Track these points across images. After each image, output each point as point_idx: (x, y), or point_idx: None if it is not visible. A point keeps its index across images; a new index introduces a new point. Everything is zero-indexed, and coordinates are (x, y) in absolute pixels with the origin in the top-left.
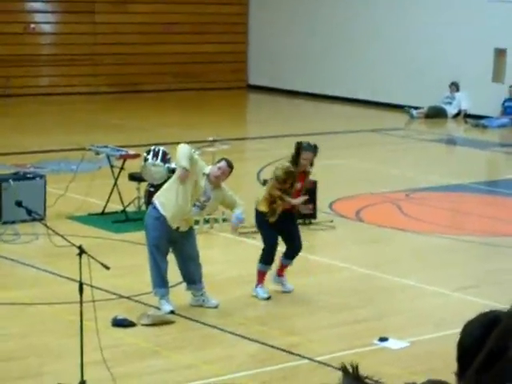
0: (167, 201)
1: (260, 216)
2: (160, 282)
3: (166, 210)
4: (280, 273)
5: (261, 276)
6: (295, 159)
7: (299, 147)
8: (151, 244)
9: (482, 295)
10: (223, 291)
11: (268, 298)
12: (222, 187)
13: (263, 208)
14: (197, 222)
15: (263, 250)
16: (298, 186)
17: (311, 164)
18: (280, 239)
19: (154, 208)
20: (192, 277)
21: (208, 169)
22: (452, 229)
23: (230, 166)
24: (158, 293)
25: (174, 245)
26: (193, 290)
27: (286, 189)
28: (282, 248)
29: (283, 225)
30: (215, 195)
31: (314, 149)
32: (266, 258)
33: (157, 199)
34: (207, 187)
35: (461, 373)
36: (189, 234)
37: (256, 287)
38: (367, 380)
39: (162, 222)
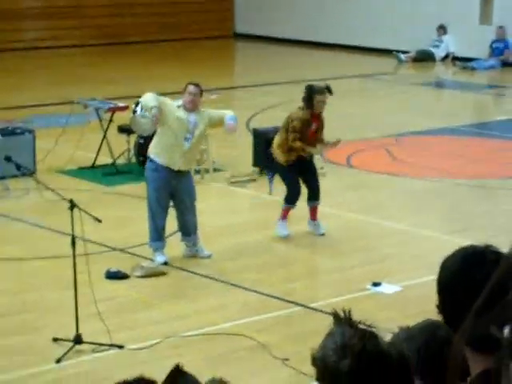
0: (159, 149)
1: (280, 166)
2: (157, 236)
3: (162, 157)
4: (312, 217)
5: (284, 212)
6: (308, 103)
7: (311, 91)
8: (151, 197)
9: (473, 238)
10: (216, 241)
11: (286, 236)
12: (203, 110)
13: (282, 159)
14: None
15: (288, 192)
16: (313, 126)
17: (324, 105)
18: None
19: (151, 161)
20: (188, 229)
21: (180, 101)
22: (442, 172)
23: (197, 85)
24: (153, 246)
25: (173, 196)
26: (187, 242)
27: (303, 134)
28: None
29: (301, 168)
30: (199, 118)
31: (327, 90)
32: (290, 198)
33: (150, 152)
34: (189, 117)
35: (442, 305)
36: (188, 183)
37: (278, 221)
38: (360, 325)
39: (161, 171)
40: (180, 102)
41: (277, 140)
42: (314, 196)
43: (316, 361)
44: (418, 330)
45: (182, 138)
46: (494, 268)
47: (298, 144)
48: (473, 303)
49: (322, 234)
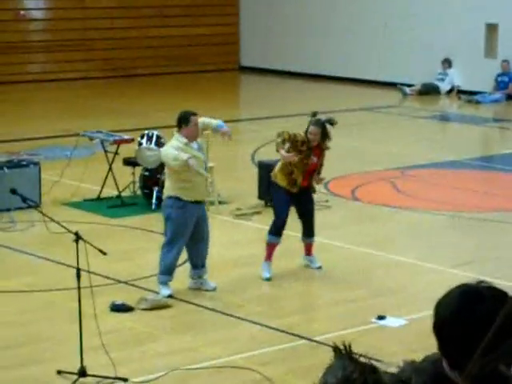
0: (183, 185)
1: (277, 189)
2: (170, 271)
3: (188, 193)
4: (307, 252)
5: (269, 249)
6: (305, 132)
7: (311, 122)
8: (177, 235)
9: (479, 271)
10: (221, 274)
11: (268, 279)
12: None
13: (282, 181)
14: None
15: (273, 221)
16: (314, 159)
17: (324, 139)
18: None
19: (176, 199)
20: (200, 260)
21: (181, 138)
22: (447, 205)
23: (194, 113)
24: (163, 279)
25: (194, 228)
26: (196, 275)
27: (302, 162)
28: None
29: (299, 199)
30: (198, 142)
31: (328, 122)
32: (275, 230)
33: (171, 190)
34: (196, 148)
35: (444, 347)
36: (205, 211)
37: (264, 261)
38: (361, 359)
39: (189, 208)
40: (183, 139)
41: (279, 164)
42: (308, 233)
43: None
44: (425, 363)
45: (201, 169)
46: (493, 303)
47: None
48: (475, 340)
49: (319, 267)
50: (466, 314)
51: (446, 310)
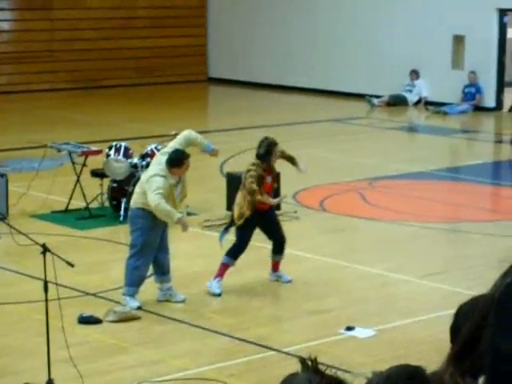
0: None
1: (242, 225)
2: (138, 283)
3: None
4: (275, 269)
5: (223, 269)
6: (267, 157)
7: (271, 144)
8: (148, 245)
9: (448, 282)
10: (190, 285)
11: (219, 295)
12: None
13: (243, 211)
14: None
15: (234, 245)
16: (269, 180)
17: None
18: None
19: (147, 211)
20: (165, 267)
21: (167, 173)
22: (416, 216)
23: (188, 156)
24: (131, 291)
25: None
26: (163, 282)
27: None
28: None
29: (264, 222)
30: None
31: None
32: (235, 253)
33: (143, 205)
34: (176, 186)
35: (458, 355)
36: (166, 226)
37: (213, 279)
38: (327, 372)
39: (158, 221)
40: (173, 179)
41: (236, 199)
42: (279, 250)
43: None
44: (395, 372)
45: (175, 195)
46: None
47: (258, 198)
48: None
49: (289, 281)
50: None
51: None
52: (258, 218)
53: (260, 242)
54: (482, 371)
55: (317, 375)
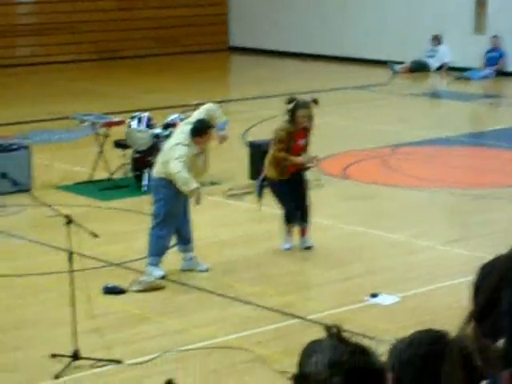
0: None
1: (272, 182)
2: (161, 252)
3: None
4: (301, 234)
5: (289, 233)
6: (291, 118)
7: (294, 106)
8: (170, 215)
9: (471, 247)
10: (213, 254)
11: (287, 249)
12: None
13: (273, 174)
14: None
15: (285, 211)
16: (301, 143)
17: (310, 119)
18: None
19: (169, 181)
20: (188, 236)
21: (192, 144)
22: (439, 182)
23: (211, 126)
24: (155, 261)
25: None
26: (186, 251)
27: (289, 147)
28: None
29: (292, 186)
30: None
31: (308, 104)
32: (288, 218)
33: (165, 174)
34: (200, 155)
35: (478, 314)
36: (188, 196)
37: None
38: (351, 340)
39: (179, 191)
40: (194, 149)
41: (268, 156)
42: (302, 217)
43: (306, 376)
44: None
45: (199, 163)
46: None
47: (281, 154)
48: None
49: (307, 248)
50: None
51: (496, 275)
52: (291, 180)
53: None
54: (502, 333)
55: (341, 344)
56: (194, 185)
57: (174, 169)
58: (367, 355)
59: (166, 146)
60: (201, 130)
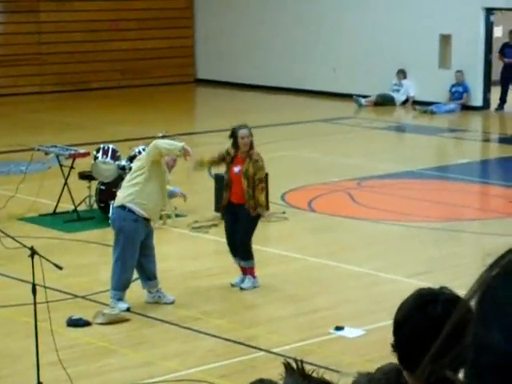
0: (145, 200)
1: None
2: (123, 287)
3: (146, 209)
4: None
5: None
6: (234, 143)
7: (233, 130)
8: (129, 249)
9: (436, 280)
10: (179, 287)
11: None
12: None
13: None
14: None
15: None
16: (236, 169)
17: (252, 146)
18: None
19: (130, 211)
20: (150, 273)
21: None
22: (404, 215)
23: None
24: (118, 295)
25: (144, 242)
26: (150, 287)
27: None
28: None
29: (234, 218)
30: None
31: (248, 127)
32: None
33: (130, 202)
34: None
35: (396, 343)
36: (151, 230)
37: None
38: (313, 375)
39: (141, 222)
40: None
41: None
42: (237, 253)
43: None
44: (378, 373)
45: (165, 194)
46: (447, 307)
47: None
48: (426, 342)
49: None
50: (418, 314)
51: (400, 312)
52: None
53: (256, 245)
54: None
55: (303, 380)
56: (180, 143)
57: (151, 145)
58: None
59: (125, 182)
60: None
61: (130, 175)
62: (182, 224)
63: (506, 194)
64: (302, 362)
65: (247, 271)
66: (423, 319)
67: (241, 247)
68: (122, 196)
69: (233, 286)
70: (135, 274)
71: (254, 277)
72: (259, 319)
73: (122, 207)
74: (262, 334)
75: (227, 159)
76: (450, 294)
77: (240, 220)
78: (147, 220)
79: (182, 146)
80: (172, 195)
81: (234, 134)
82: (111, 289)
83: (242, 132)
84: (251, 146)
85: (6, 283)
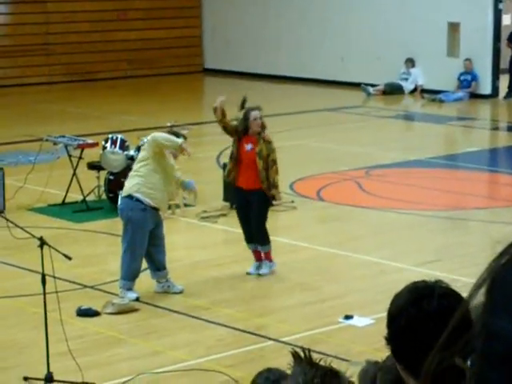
0: (152, 189)
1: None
2: (132, 276)
3: (153, 198)
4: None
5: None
6: (245, 124)
7: (245, 112)
8: (137, 239)
9: (444, 269)
10: (187, 276)
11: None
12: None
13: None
14: None
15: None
16: (248, 147)
17: (264, 128)
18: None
19: (137, 200)
20: (160, 263)
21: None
22: (412, 204)
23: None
24: (127, 285)
25: (150, 233)
26: (159, 278)
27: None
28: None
29: (248, 202)
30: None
31: (258, 107)
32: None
33: (137, 192)
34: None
35: (390, 336)
36: (160, 220)
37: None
38: (321, 363)
39: (149, 212)
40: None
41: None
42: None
43: None
44: (390, 361)
45: (173, 182)
46: (442, 301)
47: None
48: (420, 335)
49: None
50: (413, 308)
51: (394, 305)
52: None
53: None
54: (471, 352)
55: (311, 368)
56: (179, 140)
57: (151, 137)
58: (338, 378)
59: (131, 172)
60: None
61: (135, 165)
62: (190, 214)
63: None
64: (309, 350)
65: (265, 256)
66: (418, 313)
67: (257, 232)
68: (129, 186)
69: (248, 274)
70: (144, 264)
71: (271, 260)
72: (268, 308)
73: (130, 197)
74: (271, 324)
75: (238, 134)
76: (445, 288)
77: (253, 206)
78: (156, 209)
79: (180, 144)
80: (185, 187)
81: (245, 116)
82: (120, 279)
83: (255, 113)
84: (263, 127)
85: (16, 273)
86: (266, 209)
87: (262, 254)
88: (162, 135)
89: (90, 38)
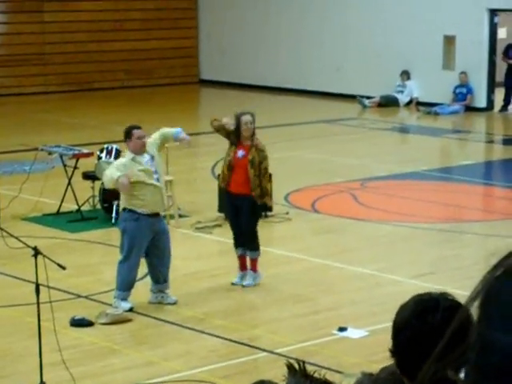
0: (140, 198)
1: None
2: (128, 287)
3: (145, 205)
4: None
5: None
6: (238, 131)
7: (237, 118)
8: (131, 249)
9: (439, 282)
10: (182, 287)
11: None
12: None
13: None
14: None
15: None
16: (239, 153)
17: (253, 133)
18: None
19: (130, 211)
20: (162, 276)
21: (129, 153)
22: (407, 216)
23: (138, 127)
24: (122, 295)
25: (151, 241)
26: (158, 289)
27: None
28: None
29: (238, 207)
30: (150, 153)
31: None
32: (234, 241)
33: (128, 205)
34: (145, 160)
35: (395, 349)
36: (165, 225)
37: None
38: (315, 375)
39: (143, 220)
40: (130, 154)
41: None
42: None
43: None
44: (384, 373)
45: (153, 181)
46: (447, 313)
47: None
48: (425, 348)
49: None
50: (418, 321)
51: (399, 317)
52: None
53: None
54: (464, 364)
55: (305, 380)
56: (115, 175)
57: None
58: None
59: None
60: (126, 132)
61: None
62: (185, 224)
63: (509, 195)
64: (304, 362)
65: (251, 264)
66: (422, 326)
67: (248, 238)
68: (122, 199)
69: (233, 284)
70: (139, 274)
71: (256, 271)
72: (262, 320)
73: (123, 209)
74: (264, 335)
75: (231, 138)
76: (450, 300)
77: (244, 211)
78: (153, 216)
79: (116, 179)
80: (177, 138)
81: (237, 121)
82: (116, 289)
83: (245, 118)
84: (253, 133)
85: (10, 283)
86: (257, 215)
87: (248, 262)
88: (105, 175)
89: (86, 48)
